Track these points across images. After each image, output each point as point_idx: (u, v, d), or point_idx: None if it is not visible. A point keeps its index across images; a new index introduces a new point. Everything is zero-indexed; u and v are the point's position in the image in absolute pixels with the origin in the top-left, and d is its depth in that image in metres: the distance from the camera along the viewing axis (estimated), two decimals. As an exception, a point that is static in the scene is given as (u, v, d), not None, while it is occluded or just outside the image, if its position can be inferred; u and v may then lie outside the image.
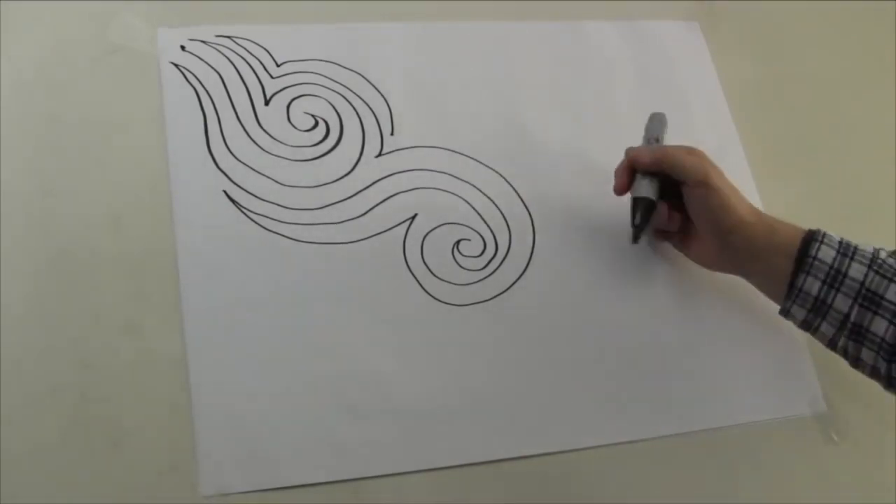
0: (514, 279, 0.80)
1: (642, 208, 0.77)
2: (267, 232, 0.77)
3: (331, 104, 0.84)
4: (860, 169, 0.93)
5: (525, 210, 0.83)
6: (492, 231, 0.82)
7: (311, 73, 0.85)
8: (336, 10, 0.88)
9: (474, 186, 0.83)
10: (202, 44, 0.84)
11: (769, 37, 1.00)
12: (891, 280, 0.69)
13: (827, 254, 0.71)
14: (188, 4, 0.85)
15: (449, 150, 0.84)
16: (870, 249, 0.71)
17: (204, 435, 0.69)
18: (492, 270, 0.80)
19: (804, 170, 0.92)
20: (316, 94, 0.84)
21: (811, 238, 0.72)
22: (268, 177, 0.79)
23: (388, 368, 0.74)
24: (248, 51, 0.84)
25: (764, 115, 0.94)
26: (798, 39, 1.00)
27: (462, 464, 0.72)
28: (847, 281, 0.70)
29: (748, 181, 0.90)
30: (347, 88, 0.85)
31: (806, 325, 0.73)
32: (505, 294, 0.79)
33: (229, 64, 0.83)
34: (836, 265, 0.71)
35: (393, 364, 0.74)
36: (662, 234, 0.82)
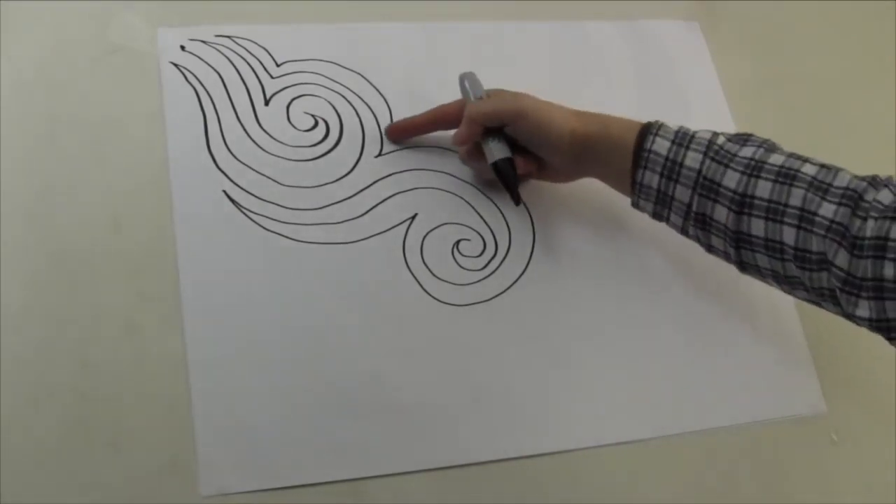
0: (514, 279, 0.80)
1: (507, 168, 0.78)
2: (267, 232, 0.77)
3: (331, 104, 0.84)
4: (860, 169, 0.93)
5: (525, 210, 0.83)
6: (492, 231, 0.82)
7: (311, 73, 0.85)
8: (336, 10, 0.88)
9: (474, 186, 0.83)
10: (202, 44, 0.84)
11: (769, 37, 1.00)
12: (727, 166, 0.69)
13: (662, 146, 0.71)
14: (188, 4, 0.85)
15: (449, 149, 0.84)
16: (707, 136, 0.71)
17: (204, 435, 0.69)
18: (492, 270, 0.80)
19: (804, 170, 0.92)
20: (316, 94, 0.84)
21: (646, 132, 0.72)
22: (268, 177, 0.79)
23: (388, 368, 0.74)
24: (248, 51, 0.84)
25: (764, 115, 0.94)
26: (798, 39, 1.00)
27: (462, 464, 0.72)
28: (684, 171, 0.70)
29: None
30: (347, 88, 0.85)
31: (657, 217, 0.75)
32: (505, 294, 0.79)
33: (229, 64, 0.83)
34: (671, 156, 0.71)
35: (393, 364, 0.74)
36: (524, 177, 0.82)
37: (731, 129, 0.92)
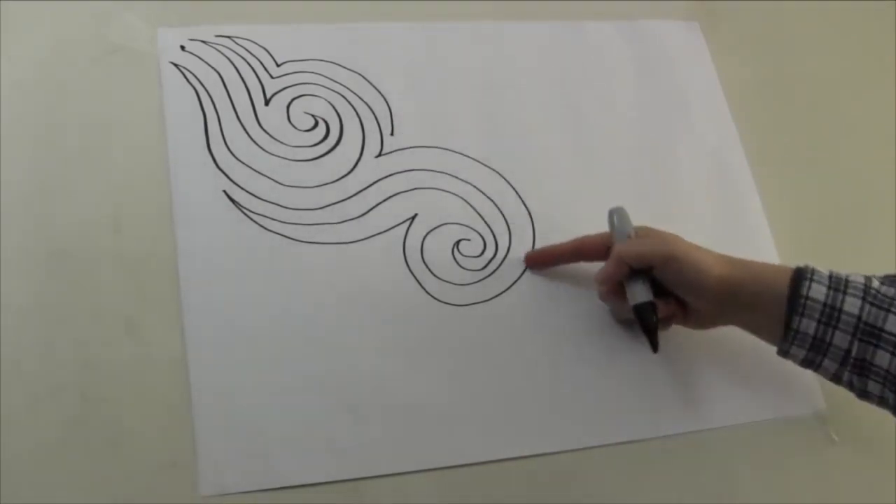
0: (515, 279, 0.80)
1: (649, 313, 0.75)
2: (267, 232, 0.77)
3: (331, 104, 0.84)
4: (860, 169, 0.93)
5: (525, 210, 0.83)
6: (492, 231, 0.82)
7: (311, 73, 0.85)
8: (336, 10, 0.88)
9: (474, 186, 0.83)
10: (202, 44, 0.84)
11: (769, 37, 0.99)
12: (888, 311, 0.68)
13: (819, 291, 0.69)
14: (188, 4, 0.85)
15: (449, 150, 0.84)
16: (861, 280, 0.70)
17: (204, 435, 0.69)
18: (492, 270, 0.80)
19: (804, 170, 0.92)
20: (316, 94, 0.84)
21: (800, 277, 0.70)
22: (268, 177, 0.79)
23: (388, 368, 0.74)
24: (248, 51, 0.84)
25: (764, 115, 0.94)
26: (798, 39, 1.00)
27: (462, 464, 0.72)
28: (843, 317, 0.69)
29: (748, 181, 0.90)
30: (347, 88, 0.85)
31: (807, 364, 0.72)
32: (505, 294, 0.79)
33: (229, 64, 0.83)
34: (829, 302, 0.69)
35: (393, 364, 0.74)
36: (667, 321, 0.78)
37: (732, 129, 0.92)
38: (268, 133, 0.81)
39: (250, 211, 0.78)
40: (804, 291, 0.70)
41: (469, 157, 0.85)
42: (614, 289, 0.77)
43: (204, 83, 0.82)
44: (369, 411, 0.72)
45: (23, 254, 0.72)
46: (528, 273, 0.80)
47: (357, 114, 0.84)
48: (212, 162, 0.79)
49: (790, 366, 0.73)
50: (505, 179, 0.84)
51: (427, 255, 0.79)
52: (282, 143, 0.81)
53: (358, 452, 0.71)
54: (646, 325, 0.75)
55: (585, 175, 0.86)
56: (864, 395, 0.71)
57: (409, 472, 0.71)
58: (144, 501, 0.67)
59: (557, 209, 0.84)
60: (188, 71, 0.82)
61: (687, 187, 0.88)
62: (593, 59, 0.93)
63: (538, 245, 0.82)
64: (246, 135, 0.81)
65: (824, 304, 0.69)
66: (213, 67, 0.83)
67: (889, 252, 0.85)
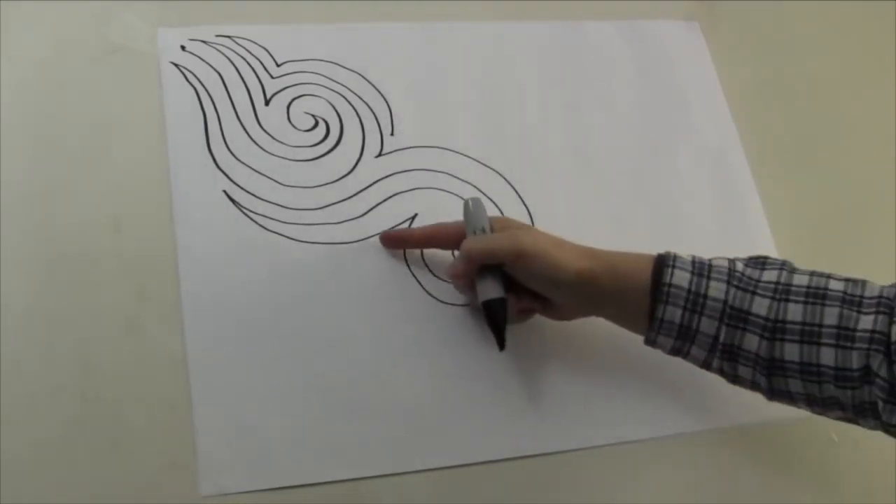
0: (514, 279, 0.80)
1: (496, 310, 0.72)
2: (267, 232, 0.77)
3: (331, 104, 0.84)
4: (860, 169, 0.93)
5: (525, 210, 0.83)
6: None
7: (312, 73, 0.85)
8: (336, 10, 0.88)
9: (474, 186, 0.83)
10: (202, 44, 0.84)
11: (769, 37, 0.99)
12: (753, 293, 0.67)
13: (682, 278, 0.68)
14: (188, 4, 0.85)
15: (449, 150, 0.84)
16: (725, 263, 0.69)
17: (204, 435, 0.69)
18: (492, 270, 0.80)
19: (804, 169, 0.92)
20: (316, 94, 0.84)
21: (662, 264, 0.69)
22: (268, 177, 0.79)
23: (388, 368, 0.74)
24: (248, 51, 0.84)
25: (764, 115, 0.94)
26: (798, 39, 1.00)
27: (462, 464, 0.72)
28: (709, 302, 0.67)
29: (748, 181, 0.90)
30: (347, 88, 0.85)
31: (675, 352, 0.70)
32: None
33: (229, 64, 0.83)
34: (693, 288, 0.68)
35: (393, 364, 0.74)
36: (525, 314, 0.76)
37: (732, 129, 0.92)
38: (268, 133, 0.81)
39: (250, 211, 0.78)
40: (667, 279, 0.68)
41: (469, 157, 0.85)
42: (467, 283, 0.74)
43: (204, 83, 0.82)
44: (369, 411, 0.72)
45: (23, 254, 0.72)
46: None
47: (357, 114, 0.84)
48: (212, 162, 0.79)
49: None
50: (505, 179, 0.84)
51: (427, 254, 0.79)
52: (282, 143, 0.81)
53: (358, 452, 0.71)
54: (493, 323, 0.72)
55: (585, 175, 0.86)
56: (735, 380, 0.70)
57: (409, 472, 0.71)
58: (144, 501, 0.67)
59: (557, 209, 0.84)
60: (188, 71, 0.82)
61: (687, 187, 0.88)
62: (593, 60, 0.93)
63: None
64: (246, 135, 0.81)
65: (689, 291, 0.68)
66: (213, 67, 0.83)
67: (889, 252, 0.85)
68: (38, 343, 0.70)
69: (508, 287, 0.73)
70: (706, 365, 0.70)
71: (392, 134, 0.84)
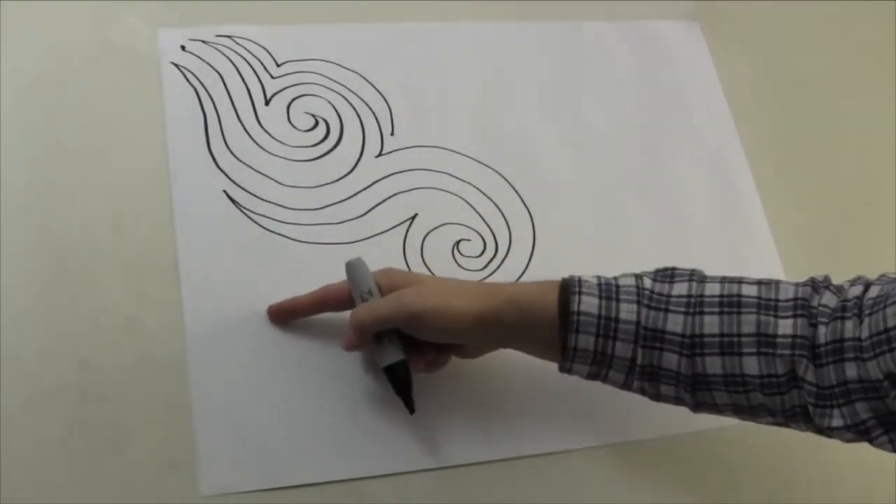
0: (515, 279, 0.80)
1: (400, 373, 0.69)
2: (267, 232, 0.77)
3: (331, 104, 0.84)
4: (860, 168, 0.93)
5: (525, 210, 0.83)
6: (492, 231, 0.82)
7: (312, 73, 0.85)
8: (336, 10, 0.88)
9: (474, 186, 0.83)
10: (202, 44, 0.84)
11: (769, 37, 0.99)
12: (666, 310, 0.65)
13: (590, 304, 0.65)
14: (188, 4, 0.85)
15: (449, 150, 0.84)
16: (632, 282, 0.67)
17: (204, 435, 0.69)
18: (492, 270, 0.80)
19: (804, 170, 0.92)
20: (316, 94, 0.84)
21: (567, 291, 0.66)
22: (268, 177, 0.79)
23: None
24: (248, 51, 0.84)
25: (764, 115, 0.94)
26: (798, 39, 1.00)
27: (462, 464, 0.72)
28: (622, 326, 0.65)
29: (748, 181, 0.90)
30: (347, 88, 0.85)
31: (593, 377, 0.68)
32: (505, 294, 0.79)
33: (230, 64, 0.83)
34: (604, 313, 0.65)
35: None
36: (436, 366, 0.72)
37: (732, 129, 0.92)
38: (268, 133, 0.81)
39: (250, 211, 0.78)
40: (574, 307, 0.66)
41: (469, 157, 0.85)
42: (367, 348, 0.71)
43: (204, 83, 0.82)
44: (369, 411, 0.72)
45: (23, 254, 0.72)
46: (528, 272, 0.80)
47: (357, 114, 0.84)
48: (212, 162, 0.79)
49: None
50: (505, 179, 0.84)
51: (427, 255, 0.79)
52: (282, 143, 0.81)
53: (358, 452, 0.71)
54: (398, 387, 0.70)
55: (585, 175, 0.86)
56: (658, 398, 0.68)
57: (410, 472, 0.71)
58: (144, 501, 0.67)
59: (557, 209, 0.84)
60: (188, 71, 0.82)
61: (687, 187, 0.88)
62: (593, 60, 0.93)
63: (538, 245, 0.82)
64: (246, 135, 0.81)
65: (598, 317, 0.65)
66: (213, 67, 0.83)
67: (889, 252, 0.85)
68: (38, 343, 0.70)
69: (410, 344, 0.70)
70: (626, 386, 0.68)
71: (392, 134, 0.84)
